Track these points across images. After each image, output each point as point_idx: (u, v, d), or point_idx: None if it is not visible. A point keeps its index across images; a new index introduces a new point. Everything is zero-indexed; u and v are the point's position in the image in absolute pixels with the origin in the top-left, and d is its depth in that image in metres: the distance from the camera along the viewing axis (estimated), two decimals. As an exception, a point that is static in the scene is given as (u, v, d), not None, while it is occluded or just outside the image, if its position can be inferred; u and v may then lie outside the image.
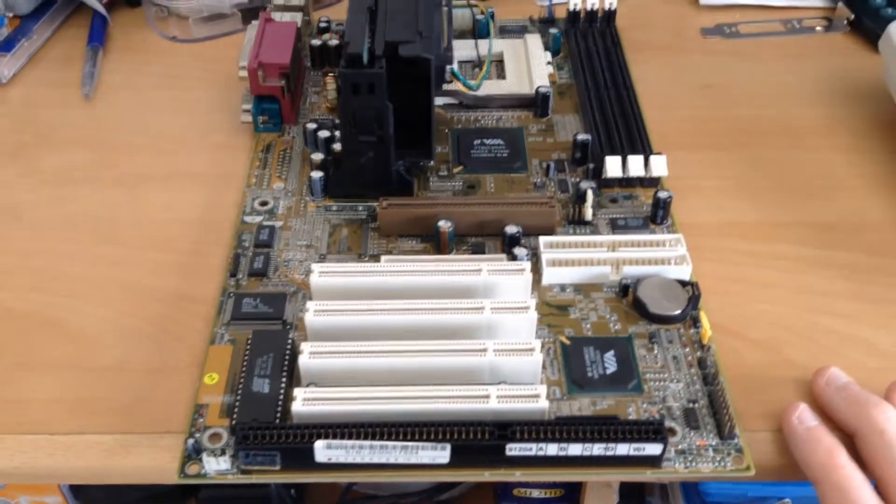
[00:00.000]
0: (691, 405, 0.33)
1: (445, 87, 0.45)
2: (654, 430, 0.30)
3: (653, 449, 0.30)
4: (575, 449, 0.30)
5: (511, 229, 0.39)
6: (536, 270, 0.38)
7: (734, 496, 0.45)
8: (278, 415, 0.32)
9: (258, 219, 0.41)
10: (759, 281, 0.39)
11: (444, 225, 0.39)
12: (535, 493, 0.45)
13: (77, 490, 0.57)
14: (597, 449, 0.30)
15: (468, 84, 0.45)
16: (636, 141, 0.43)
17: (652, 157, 0.41)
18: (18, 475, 0.32)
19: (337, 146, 0.42)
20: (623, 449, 0.30)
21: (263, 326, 0.36)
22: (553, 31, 0.51)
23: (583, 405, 0.33)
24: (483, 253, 0.39)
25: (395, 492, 0.53)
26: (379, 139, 0.40)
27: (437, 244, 0.39)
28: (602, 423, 0.31)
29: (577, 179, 0.43)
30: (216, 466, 0.31)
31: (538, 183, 0.43)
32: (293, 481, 0.31)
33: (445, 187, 0.43)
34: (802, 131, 0.47)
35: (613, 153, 0.42)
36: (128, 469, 0.32)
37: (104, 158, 0.46)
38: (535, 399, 0.31)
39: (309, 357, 0.32)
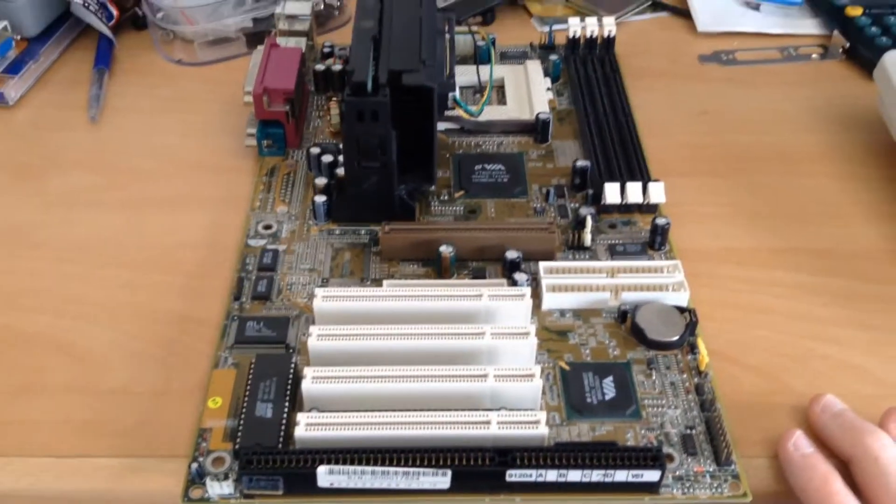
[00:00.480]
0: (689, 431, 0.33)
1: (447, 112, 0.46)
2: (652, 457, 0.31)
3: (651, 475, 0.31)
4: (574, 475, 0.31)
5: (511, 254, 0.39)
6: (536, 295, 0.38)
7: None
8: (281, 440, 0.32)
9: (262, 242, 0.42)
10: (755, 307, 0.39)
11: (445, 250, 0.39)
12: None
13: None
14: (595, 475, 0.31)
15: (469, 110, 0.46)
16: (634, 167, 0.44)
17: (650, 184, 0.42)
18: (25, 497, 0.33)
19: (340, 171, 0.43)
20: (621, 475, 0.31)
21: (267, 350, 0.36)
22: (553, 57, 0.52)
23: (582, 431, 0.34)
24: (484, 277, 0.40)
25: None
26: (382, 165, 0.40)
27: (438, 269, 0.40)
28: (601, 449, 0.31)
29: (577, 205, 0.43)
30: (219, 491, 0.31)
31: (538, 208, 0.44)
32: (296, 506, 0.31)
33: (447, 212, 0.44)
34: (798, 158, 0.47)
35: (612, 179, 0.43)
36: (133, 493, 0.32)
37: (110, 181, 0.46)
38: (535, 425, 0.32)
39: (312, 382, 0.33)
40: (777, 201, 0.45)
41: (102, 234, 0.43)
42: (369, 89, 0.39)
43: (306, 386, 0.33)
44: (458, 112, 0.46)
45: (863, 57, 0.53)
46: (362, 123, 0.39)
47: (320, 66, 0.50)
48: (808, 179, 0.46)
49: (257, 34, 0.55)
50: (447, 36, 0.44)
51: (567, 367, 0.36)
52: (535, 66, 0.51)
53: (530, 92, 0.49)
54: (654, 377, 0.35)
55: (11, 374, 0.36)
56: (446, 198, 0.44)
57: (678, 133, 0.49)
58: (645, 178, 0.43)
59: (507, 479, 0.31)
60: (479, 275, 0.40)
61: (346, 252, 0.41)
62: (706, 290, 0.39)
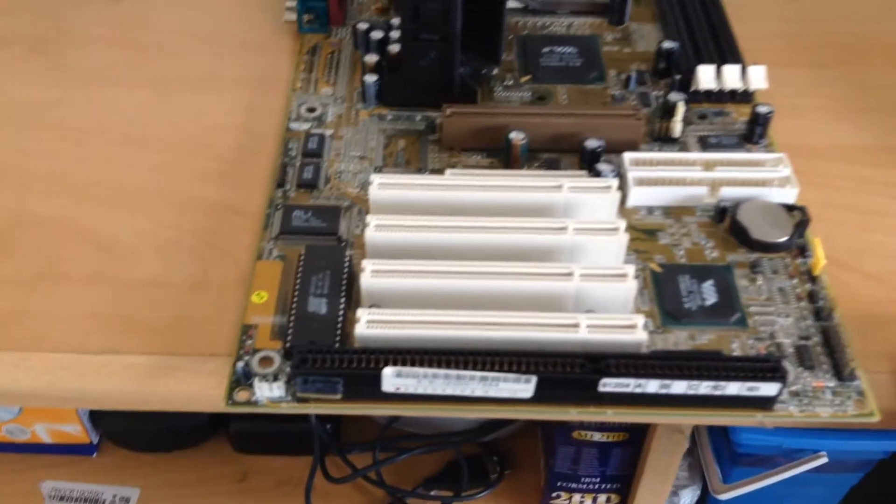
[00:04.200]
0: (803, 342, 0.29)
1: (513, -14, 0.41)
2: (770, 368, 0.26)
3: (768, 389, 0.26)
4: (679, 387, 0.27)
5: (592, 143, 0.35)
6: (620, 190, 0.33)
7: (767, 447, 0.40)
8: (338, 339, 0.28)
9: (305, 126, 0.37)
10: (870, 209, 0.34)
11: (516, 137, 0.35)
12: (597, 437, 0.41)
13: (97, 420, 0.54)
14: (704, 388, 0.26)
15: (541, -18, 0.40)
16: (725, 52, 0.39)
17: (749, 68, 0.37)
18: (42, 398, 0.29)
19: (393, 48, 0.38)
20: (734, 388, 0.26)
21: (316, 242, 0.32)
22: (629, -69, 0.46)
23: (679, 339, 0.29)
24: (558, 170, 0.35)
25: (437, 431, 0.50)
26: (443, 38, 0.35)
27: (506, 159, 0.35)
28: (710, 358, 0.27)
29: (661, 93, 0.38)
30: (268, 393, 0.27)
31: (617, 96, 0.38)
32: (354, 413, 0.27)
33: (512, 98, 0.39)
34: (907, 49, 0.42)
35: (704, 63, 0.37)
36: (167, 394, 0.28)
37: (133, 57, 0.41)
38: (632, 330, 0.27)
39: (371, 276, 0.29)
40: (885, 95, 0.40)
41: (126, 114, 0.38)
42: (434, -55, 0.33)
43: (365, 280, 0.28)
44: (528, -16, 0.40)
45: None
46: (424, -14, 0.34)
47: (367, -65, 0.45)
48: (919, 72, 0.41)
49: None
50: None
51: (659, 270, 0.31)
52: (609, -59, 0.45)
53: (604, -32, 0.43)
54: (759, 282, 0.31)
55: (27, 262, 0.32)
56: (511, 83, 0.39)
57: (770, 19, 0.44)
58: (742, 62, 0.38)
59: (600, 388, 0.27)
60: (553, 166, 0.35)
61: (400, 139, 0.37)
62: (812, 188, 0.34)
